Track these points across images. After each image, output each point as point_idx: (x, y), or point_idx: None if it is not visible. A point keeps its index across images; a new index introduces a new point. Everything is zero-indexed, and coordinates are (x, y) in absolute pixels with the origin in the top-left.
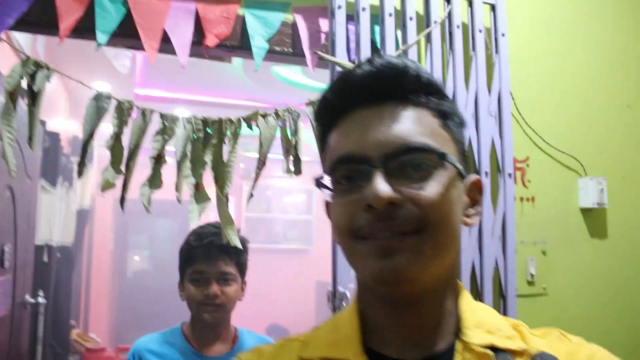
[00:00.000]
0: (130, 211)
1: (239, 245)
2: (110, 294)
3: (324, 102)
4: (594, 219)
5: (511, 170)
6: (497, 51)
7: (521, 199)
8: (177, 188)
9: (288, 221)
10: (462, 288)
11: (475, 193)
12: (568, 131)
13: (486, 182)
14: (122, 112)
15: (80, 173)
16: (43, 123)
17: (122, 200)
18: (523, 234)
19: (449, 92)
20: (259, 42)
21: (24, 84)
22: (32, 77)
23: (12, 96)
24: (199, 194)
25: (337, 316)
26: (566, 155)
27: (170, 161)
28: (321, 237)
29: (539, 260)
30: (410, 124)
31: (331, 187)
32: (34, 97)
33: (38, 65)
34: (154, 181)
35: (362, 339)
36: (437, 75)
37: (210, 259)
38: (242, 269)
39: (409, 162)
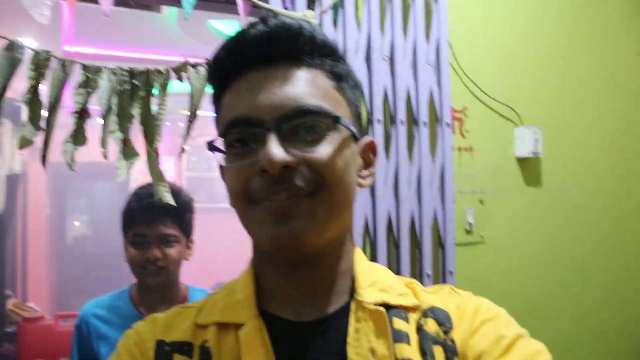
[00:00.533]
0: (66, 174)
1: (172, 202)
2: (49, 261)
3: (216, 62)
4: (530, 168)
5: (449, 120)
6: None
7: (459, 149)
8: (103, 144)
9: None
10: (357, 248)
11: (369, 154)
12: (505, 81)
13: (424, 132)
14: (39, 63)
15: None
16: None
17: (44, 159)
18: (461, 184)
19: (386, 40)
20: None
21: None
22: None
23: None
24: (127, 150)
25: (232, 281)
26: (503, 105)
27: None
28: None
29: (476, 209)
30: (304, 86)
31: (225, 151)
32: None
33: None
34: (78, 137)
35: (258, 303)
36: (375, 24)
37: (150, 221)
38: (186, 228)
39: (303, 124)
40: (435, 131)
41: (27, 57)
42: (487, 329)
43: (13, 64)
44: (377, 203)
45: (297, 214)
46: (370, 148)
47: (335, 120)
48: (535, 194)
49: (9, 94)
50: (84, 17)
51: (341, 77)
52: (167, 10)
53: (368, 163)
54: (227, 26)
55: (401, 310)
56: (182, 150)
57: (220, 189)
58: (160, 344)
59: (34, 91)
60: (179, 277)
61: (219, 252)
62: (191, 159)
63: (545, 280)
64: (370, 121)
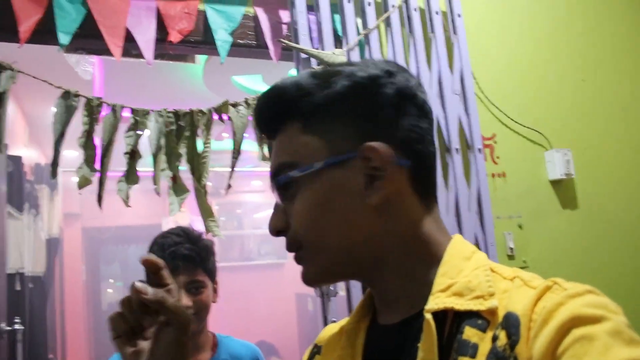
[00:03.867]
0: (98, 240)
1: (221, 236)
2: (86, 326)
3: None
4: (564, 190)
5: (480, 146)
6: (454, 32)
7: (492, 175)
8: (155, 181)
9: (261, 236)
10: (447, 256)
11: (371, 163)
12: (530, 107)
13: (457, 159)
14: (92, 109)
15: (53, 174)
16: (5, 147)
17: (100, 198)
18: (498, 209)
19: (412, 73)
20: (222, 35)
21: None
22: None
23: None
24: (177, 186)
25: None
26: (531, 130)
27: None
28: None
29: (516, 234)
30: (278, 148)
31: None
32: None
33: (1, 67)
34: (130, 177)
35: (370, 312)
36: (400, 58)
37: (176, 270)
38: (210, 273)
39: (280, 186)
40: (467, 158)
41: (80, 104)
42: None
43: (69, 111)
44: None
45: (301, 261)
46: (373, 152)
47: (288, 171)
48: (571, 214)
49: (44, 160)
50: (112, 74)
51: (307, 115)
52: (199, 59)
53: (374, 173)
54: (251, 81)
55: (479, 317)
56: (229, 186)
57: (252, 245)
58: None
59: (88, 135)
60: (206, 324)
61: (256, 309)
62: (221, 218)
63: None
64: None
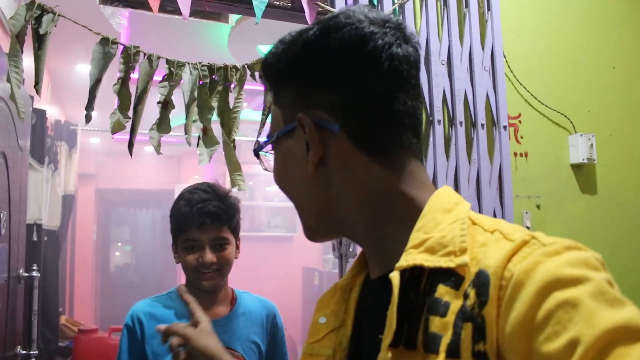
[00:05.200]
0: (111, 202)
1: (246, 190)
2: (93, 285)
3: None
4: (584, 175)
5: (506, 123)
6: (489, 8)
7: (515, 154)
8: (187, 131)
9: (271, 209)
10: (426, 209)
11: (304, 131)
12: (558, 90)
13: (482, 134)
14: (129, 57)
15: (88, 118)
16: (31, 99)
17: (131, 144)
18: (518, 188)
19: (444, 47)
20: None
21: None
22: (37, 21)
23: (19, 38)
24: (207, 138)
25: None
26: (556, 112)
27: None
28: None
29: (533, 214)
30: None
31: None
32: (40, 40)
33: (43, 9)
34: (162, 126)
35: (366, 267)
36: (433, 31)
37: (203, 226)
38: (235, 230)
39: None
40: (492, 134)
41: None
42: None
43: (106, 57)
44: None
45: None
46: (299, 123)
47: (256, 152)
48: (590, 199)
49: (64, 118)
50: (138, 30)
51: (273, 86)
52: (219, 30)
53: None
54: None
55: (453, 274)
56: (258, 143)
57: (263, 216)
58: None
59: (123, 82)
60: (227, 280)
61: (262, 280)
62: (232, 190)
63: None
64: (430, 122)
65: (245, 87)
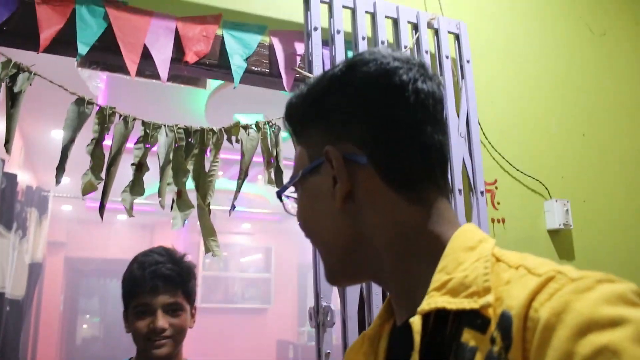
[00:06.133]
0: (80, 271)
1: (221, 255)
2: (58, 358)
3: None
4: (561, 240)
5: (483, 189)
6: (462, 77)
7: (492, 220)
8: (160, 194)
9: (246, 279)
10: (449, 248)
11: (331, 166)
12: (532, 156)
13: (460, 200)
14: (104, 117)
15: (58, 178)
16: (2, 162)
17: (102, 207)
18: None
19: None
20: (237, 60)
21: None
22: (12, 79)
23: None
24: (182, 202)
25: None
26: (532, 178)
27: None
28: (280, 296)
29: None
30: None
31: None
32: (13, 99)
33: (19, 68)
34: (136, 188)
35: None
36: None
37: (155, 290)
38: (190, 296)
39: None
40: (469, 200)
41: (93, 112)
42: None
43: (81, 117)
44: None
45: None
46: (326, 157)
47: (279, 194)
48: (570, 265)
49: (36, 183)
50: (116, 94)
51: (297, 126)
52: (209, 84)
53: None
54: (253, 120)
55: (478, 316)
56: (233, 207)
57: (237, 288)
58: None
59: (97, 143)
60: (181, 349)
61: (236, 353)
62: (205, 260)
63: None
64: None
65: (222, 155)
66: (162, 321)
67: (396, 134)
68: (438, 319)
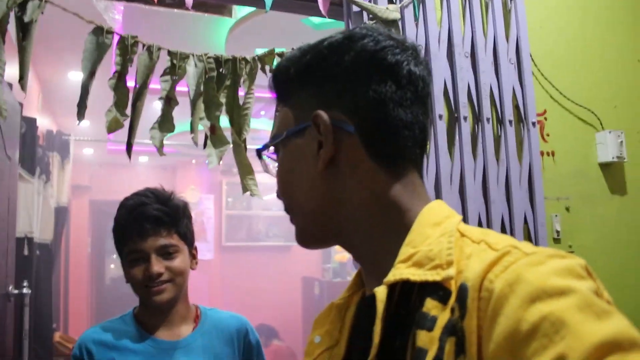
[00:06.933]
0: (106, 213)
1: (260, 196)
2: (89, 299)
3: None
4: (613, 174)
5: (534, 119)
6: None
7: (542, 153)
8: (192, 129)
9: (270, 218)
10: (416, 223)
11: (319, 128)
12: (584, 85)
13: (510, 131)
14: (126, 48)
15: (80, 116)
16: (20, 106)
17: (129, 146)
18: (546, 189)
19: (467, 39)
20: None
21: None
22: (21, 7)
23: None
24: (216, 138)
25: None
26: (583, 108)
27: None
28: None
29: (563, 216)
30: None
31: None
32: (24, 29)
33: None
34: (165, 124)
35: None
36: (455, 21)
37: (144, 233)
38: (185, 235)
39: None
40: (520, 132)
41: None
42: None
43: (100, 48)
44: (467, 203)
45: (292, 222)
46: (318, 119)
47: (259, 152)
48: (620, 200)
49: (56, 127)
50: (133, 25)
51: (286, 91)
52: (235, 12)
53: (321, 140)
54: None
55: (440, 288)
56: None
57: (261, 226)
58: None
59: (119, 77)
60: (187, 294)
61: (261, 291)
62: (228, 199)
63: (638, 291)
64: (456, 119)
65: (262, 94)
66: (157, 265)
67: (385, 109)
68: (403, 291)
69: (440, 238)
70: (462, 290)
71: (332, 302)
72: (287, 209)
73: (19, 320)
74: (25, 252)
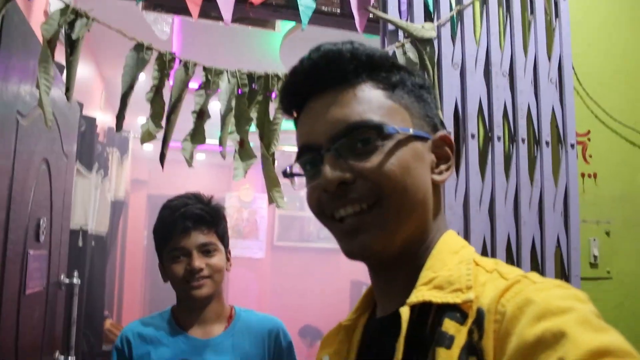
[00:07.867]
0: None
1: (285, 207)
2: (143, 291)
3: (282, 96)
4: None
5: (574, 141)
6: (557, 15)
7: (582, 175)
8: (222, 143)
9: None
10: (441, 240)
11: (443, 149)
12: (632, 105)
13: (547, 152)
14: (164, 63)
15: (118, 126)
16: (80, 106)
17: (162, 156)
18: (585, 212)
19: (505, 58)
20: (305, 0)
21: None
22: (70, 26)
23: (50, 43)
24: (244, 151)
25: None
26: (631, 129)
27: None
28: None
29: (602, 241)
30: (350, 105)
31: (302, 174)
32: (72, 46)
33: (77, 14)
34: (197, 136)
35: (370, 307)
36: (494, 39)
37: (187, 230)
38: (223, 237)
39: (353, 140)
40: (558, 153)
41: (152, 58)
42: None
43: (140, 64)
44: (497, 223)
45: (365, 226)
46: (444, 142)
47: (380, 129)
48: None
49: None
50: (191, 37)
51: (394, 85)
52: (279, 27)
53: (443, 157)
54: None
55: (458, 310)
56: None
57: (312, 227)
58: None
59: (156, 90)
60: (222, 293)
61: (309, 292)
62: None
63: None
64: (489, 138)
65: None
66: (199, 261)
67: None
68: (421, 313)
69: (459, 265)
70: (480, 313)
71: (340, 322)
72: (376, 203)
73: (68, 309)
74: (80, 244)
